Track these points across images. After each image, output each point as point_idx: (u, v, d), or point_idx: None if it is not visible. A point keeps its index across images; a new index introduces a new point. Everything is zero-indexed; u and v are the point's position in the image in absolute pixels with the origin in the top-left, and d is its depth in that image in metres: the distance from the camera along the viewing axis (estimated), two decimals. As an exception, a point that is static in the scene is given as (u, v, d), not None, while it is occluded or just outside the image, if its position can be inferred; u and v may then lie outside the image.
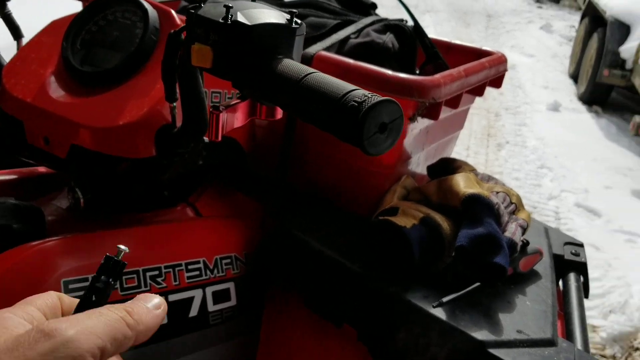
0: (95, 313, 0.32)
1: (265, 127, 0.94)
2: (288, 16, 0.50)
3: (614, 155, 4.26)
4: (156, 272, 0.72)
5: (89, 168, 0.69)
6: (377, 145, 0.42)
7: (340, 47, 0.91)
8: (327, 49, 0.88)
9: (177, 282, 0.75)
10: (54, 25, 0.79)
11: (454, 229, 0.79)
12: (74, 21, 0.76)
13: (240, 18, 0.48)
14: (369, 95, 0.41)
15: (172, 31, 0.57)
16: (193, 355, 0.76)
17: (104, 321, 0.32)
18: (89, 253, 0.67)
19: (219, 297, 0.80)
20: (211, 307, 0.79)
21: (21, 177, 0.83)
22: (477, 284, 0.76)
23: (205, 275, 0.79)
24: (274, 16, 0.50)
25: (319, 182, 0.94)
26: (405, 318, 0.73)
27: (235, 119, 0.52)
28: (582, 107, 5.21)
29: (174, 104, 0.65)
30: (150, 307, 0.36)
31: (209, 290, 0.79)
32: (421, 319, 0.71)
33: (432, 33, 1.11)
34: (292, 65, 0.46)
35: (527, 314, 0.75)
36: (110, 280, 0.38)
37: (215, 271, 0.80)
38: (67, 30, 0.75)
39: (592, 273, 2.60)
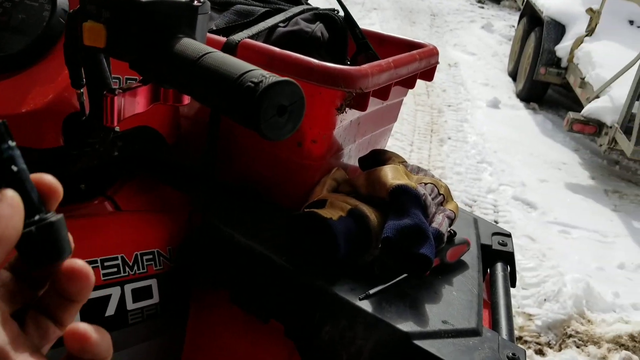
0: None
1: (190, 117, 0.90)
2: None
3: (550, 150, 4.41)
4: None
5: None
6: (276, 129, 0.39)
7: (268, 36, 0.89)
8: (254, 37, 0.85)
9: None
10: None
11: (382, 220, 0.78)
12: None
13: None
14: (267, 76, 0.38)
15: (71, 10, 0.53)
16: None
17: None
18: None
19: (140, 294, 0.76)
20: (130, 306, 0.75)
21: None
22: (404, 275, 0.76)
23: (124, 272, 0.75)
24: None
25: (248, 175, 0.91)
26: (331, 311, 0.71)
27: (137, 104, 0.48)
28: (520, 104, 5.36)
29: (81, 90, 0.61)
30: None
31: (128, 287, 0.75)
32: (347, 312, 0.70)
33: (378, 30, 1.10)
34: (189, 44, 0.44)
35: (453, 304, 0.75)
36: (10, 142, 0.32)
37: (135, 268, 0.76)
38: None
39: (527, 263, 2.68)
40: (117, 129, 0.65)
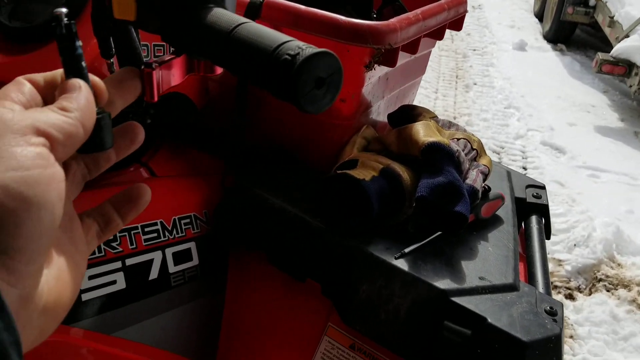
0: (31, 110, 0.33)
1: (218, 81, 0.90)
2: None
3: (578, 93, 4.30)
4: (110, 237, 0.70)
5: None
6: (315, 102, 0.39)
7: (292, -7, 0.87)
8: (279, -5, 0.83)
9: (134, 246, 0.72)
10: (-22, -22, 0.73)
11: (415, 179, 0.77)
12: None
13: None
14: (303, 47, 0.37)
15: None
16: (156, 317, 0.74)
17: (40, 110, 0.32)
18: None
19: (180, 257, 0.78)
20: (172, 269, 0.77)
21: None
22: (439, 233, 0.76)
23: (164, 236, 0.76)
24: None
25: (278, 136, 0.91)
26: (367, 271, 0.72)
27: (172, 77, 0.48)
28: (547, 46, 5.21)
29: (111, 60, 0.61)
30: (76, 94, 0.35)
31: (169, 251, 0.77)
32: (383, 271, 0.71)
33: None
34: (222, 14, 0.43)
35: (489, 260, 0.75)
36: (76, 43, 0.37)
37: (175, 232, 0.78)
38: None
39: (556, 209, 2.66)
40: None
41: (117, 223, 0.41)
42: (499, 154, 3.30)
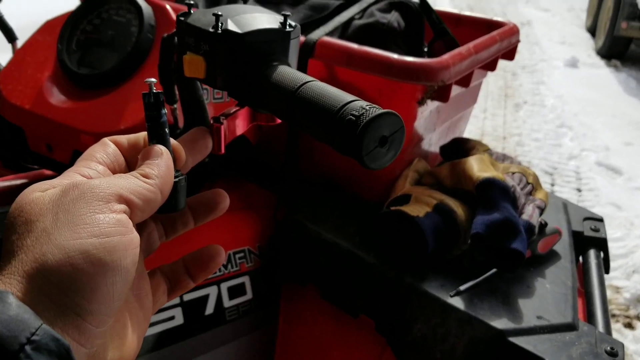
0: (116, 175, 0.35)
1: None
2: (281, 19, 0.47)
3: (634, 111, 4.16)
4: None
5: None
6: (378, 159, 0.40)
7: (343, 30, 0.88)
8: (330, 33, 0.85)
9: None
10: (48, 26, 0.78)
11: (469, 214, 0.77)
12: (68, 21, 0.74)
13: (231, 26, 0.45)
14: (367, 108, 0.38)
15: (165, 35, 0.55)
16: (212, 352, 0.76)
17: (124, 177, 0.34)
18: None
19: (235, 292, 0.80)
20: (227, 303, 0.78)
21: (28, 182, 0.82)
22: (495, 269, 0.75)
23: (220, 271, 0.78)
24: (266, 21, 0.47)
25: (329, 170, 0.92)
26: (422, 308, 0.72)
27: (237, 127, 0.50)
28: (600, 62, 5.07)
29: (175, 105, 0.64)
30: (158, 160, 0.37)
31: (224, 286, 0.79)
32: (439, 309, 0.70)
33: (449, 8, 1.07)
34: (287, 73, 0.44)
35: (546, 297, 0.74)
36: (162, 111, 0.40)
37: (230, 266, 0.80)
38: (62, 31, 0.73)
39: (614, 233, 2.57)
40: None
41: (187, 283, 0.42)
42: (551, 175, 3.22)
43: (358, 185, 0.90)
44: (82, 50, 0.73)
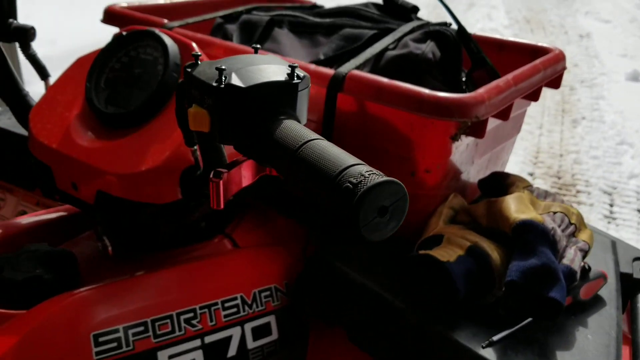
0: None
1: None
2: (289, 70, 0.45)
3: (703, 127, 3.92)
4: (191, 315, 0.71)
5: (116, 214, 0.68)
6: (377, 230, 0.37)
7: (376, 62, 0.86)
8: (362, 65, 0.83)
9: (213, 322, 0.73)
10: (79, 63, 0.78)
11: (505, 257, 0.72)
12: (97, 59, 0.75)
13: (234, 80, 0.44)
14: (367, 175, 0.36)
15: (180, 82, 0.54)
16: None
17: None
18: (117, 302, 0.66)
19: (259, 332, 0.78)
20: (251, 344, 0.77)
21: (59, 217, 0.83)
22: (531, 318, 0.70)
23: (244, 311, 0.76)
24: (272, 73, 0.45)
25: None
26: (452, 358, 0.68)
27: (243, 178, 0.48)
28: (666, 75, 4.82)
29: (195, 147, 0.63)
30: None
31: (248, 326, 0.77)
32: (470, 361, 0.66)
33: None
34: (291, 130, 0.42)
35: (587, 350, 0.68)
36: None
37: (254, 306, 0.78)
38: (91, 69, 0.74)
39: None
40: None
41: None
42: (610, 194, 3.06)
43: (390, 221, 0.87)
44: (110, 89, 0.73)
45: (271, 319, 0.79)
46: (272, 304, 0.80)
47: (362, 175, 0.36)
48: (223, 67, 0.44)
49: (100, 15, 1.04)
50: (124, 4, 1.07)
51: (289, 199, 0.92)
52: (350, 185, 0.35)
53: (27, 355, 0.59)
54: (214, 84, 0.44)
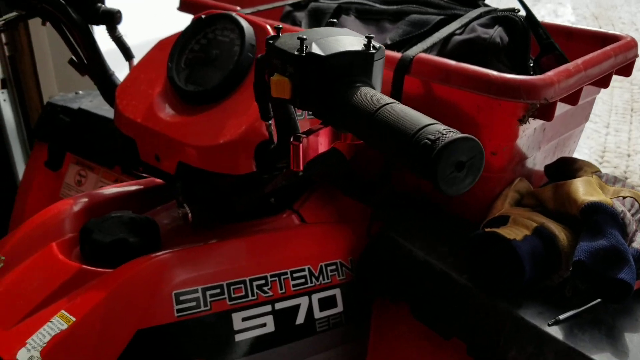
0: None
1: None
2: (365, 41, 0.48)
3: None
4: (262, 281, 0.74)
5: (195, 184, 0.73)
6: (455, 185, 0.39)
7: (443, 46, 0.87)
8: (429, 49, 0.84)
9: (283, 291, 0.76)
10: (161, 45, 0.83)
11: (572, 239, 0.72)
12: (178, 41, 0.79)
13: (315, 49, 0.47)
14: (444, 132, 0.38)
15: (260, 56, 0.57)
16: None
17: None
18: (196, 265, 0.70)
19: (325, 304, 0.81)
20: (317, 314, 0.80)
21: (140, 189, 0.89)
22: (599, 300, 0.70)
23: (311, 282, 0.80)
24: (349, 43, 0.48)
25: (425, 187, 0.91)
26: (517, 336, 0.68)
27: (320, 145, 0.51)
28: None
29: (269, 122, 0.66)
30: None
31: (315, 297, 0.80)
32: (535, 338, 0.67)
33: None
34: (367, 95, 0.45)
35: (658, 335, 0.67)
36: None
37: (321, 278, 0.81)
38: (172, 50, 0.78)
39: None
40: None
41: None
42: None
43: (453, 203, 0.88)
44: (189, 69, 0.77)
45: (336, 292, 0.82)
46: (337, 278, 0.82)
47: (440, 133, 0.38)
48: (304, 37, 0.47)
49: (169, 9, 1.09)
50: (200, -8, 1.12)
51: (354, 180, 0.95)
52: (429, 142, 0.38)
53: (116, 308, 0.64)
54: (296, 53, 0.47)
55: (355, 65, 0.48)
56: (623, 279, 0.66)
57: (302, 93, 0.48)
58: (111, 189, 0.86)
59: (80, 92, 1.33)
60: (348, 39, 0.49)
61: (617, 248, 0.67)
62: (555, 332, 0.66)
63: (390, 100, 0.43)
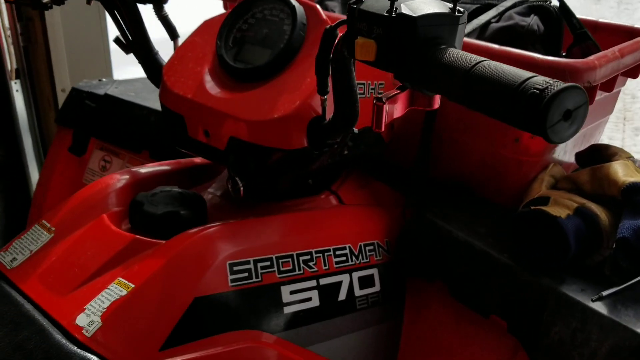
0: None
1: (404, 117, 0.94)
2: (450, 5, 0.50)
3: None
4: (308, 257, 0.76)
5: (246, 159, 0.74)
6: (561, 133, 0.40)
7: (481, 33, 0.89)
8: (468, 35, 0.86)
9: (326, 267, 0.77)
10: (206, 25, 0.84)
11: (613, 219, 0.74)
12: (226, 21, 0.80)
13: (405, 10, 0.48)
14: (551, 82, 0.39)
15: (329, 26, 0.59)
16: (343, 337, 0.78)
17: None
18: (247, 238, 0.71)
19: (364, 282, 0.82)
20: (357, 292, 0.81)
21: (181, 168, 0.89)
22: (640, 278, 0.72)
23: (351, 260, 0.81)
24: (437, 6, 0.49)
25: (459, 172, 0.92)
26: (560, 312, 0.70)
27: (395, 110, 0.52)
28: None
29: (325, 97, 0.67)
30: None
31: (355, 275, 0.81)
32: (579, 313, 0.68)
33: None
34: (459, 54, 0.46)
35: (699, 312, 0.69)
36: None
37: (360, 257, 0.82)
38: (220, 30, 0.79)
39: None
40: (355, 130, 0.70)
41: None
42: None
43: (488, 188, 0.90)
44: (238, 47, 0.78)
45: (374, 271, 0.83)
46: (375, 258, 0.84)
47: (548, 83, 0.39)
48: None
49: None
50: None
51: (388, 167, 0.96)
52: (537, 91, 0.39)
53: (174, 276, 0.65)
54: (386, 14, 0.48)
55: (443, 27, 0.49)
56: (666, 256, 0.68)
57: (390, 54, 0.49)
58: (153, 167, 0.87)
59: (104, 79, 1.33)
60: (434, 2, 0.50)
61: (660, 227, 0.69)
62: (600, 307, 0.68)
63: (482, 58, 0.45)
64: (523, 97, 0.40)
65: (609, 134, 3.89)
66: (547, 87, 0.39)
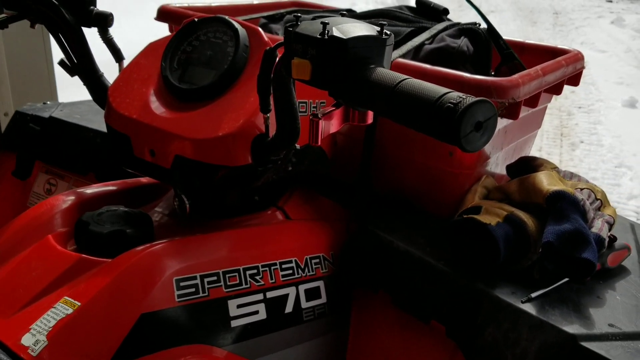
0: None
1: (346, 134, 0.98)
2: (378, 28, 0.54)
3: (699, 151, 4.03)
4: (255, 271, 0.78)
5: (191, 176, 0.76)
6: (473, 142, 0.45)
7: (415, 54, 0.94)
8: (403, 56, 0.91)
9: (273, 280, 0.80)
10: (151, 47, 0.86)
11: (539, 226, 0.80)
12: (170, 43, 0.83)
13: (336, 33, 0.52)
14: (464, 97, 0.44)
15: (268, 48, 0.62)
16: (290, 349, 0.80)
17: None
18: (194, 254, 0.73)
19: (311, 294, 0.84)
20: (304, 304, 0.83)
21: (127, 187, 0.90)
22: (565, 279, 0.77)
23: (298, 274, 0.83)
24: (365, 29, 0.53)
25: (398, 185, 0.97)
26: (493, 313, 0.74)
27: (331, 125, 0.56)
28: (661, 102, 4.95)
29: (268, 115, 0.70)
30: None
31: (302, 288, 0.83)
32: (510, 314, 0.73)
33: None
34: (385, 73, 0.50)
35: (617, 308, 0.75)
36: None
37: (307, 270, 0.85)
38: (165, 52, 0.82)
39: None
40: (297, 146, 0.73)
41: None
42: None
43: (426, 200, 0.95)
44: (182, 68, 0.81)
45: (320, 283, 0.86)
46: (321, 271, 0.87)
47: (461, 97, 0.44)
48: (327, 21, 0.52)
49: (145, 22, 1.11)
50: (177, 4, 1.16)
51: (332, 183, 1.00)
52: (452, 105, 0.43)
53: (120, 293, 0.66)
54: (319, 36, 0.52)
55: (371, 49, 0.53)
56: (587, 258, 0.73)
57: (323, 73, 0.53)
58: (99, 187, 0.87)
59: (48, 102, 1.33)
60: (363, 25, 0.54)
61: (581, 231, 0.75)
62: (529, 308, 0.73)
63: (406, 76, 0.49)
64: (440, 111, 0.44)
65: (548, 149, 4.07)
66: (459, 102, 0.43)
